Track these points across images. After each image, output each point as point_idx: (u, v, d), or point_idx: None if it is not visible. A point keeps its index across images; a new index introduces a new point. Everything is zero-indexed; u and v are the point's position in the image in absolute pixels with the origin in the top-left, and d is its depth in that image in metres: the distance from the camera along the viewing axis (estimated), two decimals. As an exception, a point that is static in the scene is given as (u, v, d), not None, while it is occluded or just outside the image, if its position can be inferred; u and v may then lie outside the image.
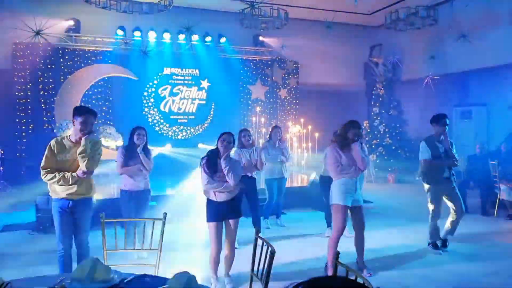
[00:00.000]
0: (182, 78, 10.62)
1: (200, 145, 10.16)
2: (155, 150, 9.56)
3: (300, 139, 10.40)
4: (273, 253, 2.15)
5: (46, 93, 9.16)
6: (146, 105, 10.26)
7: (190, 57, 10.46)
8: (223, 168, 3.67)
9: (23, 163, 8.44)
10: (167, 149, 9.96)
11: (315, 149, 10.05)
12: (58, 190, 3.46)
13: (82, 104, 9.47)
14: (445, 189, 4.83)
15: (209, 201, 3.77)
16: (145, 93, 10.24)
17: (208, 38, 10.38)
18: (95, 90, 9.66)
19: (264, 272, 2.22)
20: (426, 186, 4.91)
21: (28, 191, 7.99)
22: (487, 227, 6.13)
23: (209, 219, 3.73)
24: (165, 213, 2.86)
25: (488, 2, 9.01)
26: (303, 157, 10.08)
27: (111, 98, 9.80)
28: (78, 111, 3.43)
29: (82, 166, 3.41)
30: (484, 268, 4.40)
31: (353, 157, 4.03)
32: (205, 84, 10.76)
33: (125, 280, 2.07)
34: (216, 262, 3.80)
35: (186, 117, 10.70)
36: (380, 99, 11.29)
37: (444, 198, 4.89)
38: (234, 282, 3.89)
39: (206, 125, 10.80)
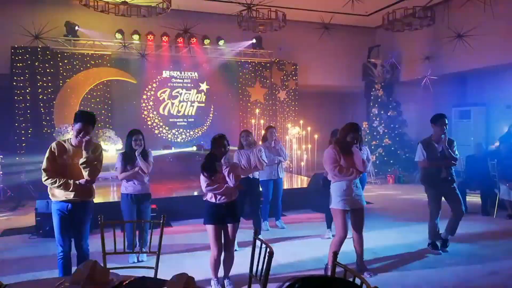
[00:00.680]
0: (181, 81, 10.64)
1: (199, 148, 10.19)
2: (159, 152, 9.63)
3: (300, 140, 10.41)
4: (271, 254, 2.15)
5: (45, 97, 9.16)
6: (145, 108, 10.27)
7: (188, 60, 10.48)
8: (223, 170, 3.68)
9: (23, 168, 8.44)
10: (168, 152, 9.99)
11: (315, 151, 10.07)
12: (57, 193, 3.47)
13: (81, 108, 9.49)
14: (444, 190, 4.83)
15: (208, 203, 3.77)
16: (144, 96, 10.26)
17: (207, 41, 10.40)
18: (94, 94, 9.67)
19: (262, 273, 2.22)
20: (425, 187, 4.94)
21: (28, 195, 8.01)
22: (487, 227, 6.13)
23: (208, 221, 3.73)
24: (164, 216, 2.86)
25: (485, 2, 9.04)
26: (302, 158, 10.09)
27: (110, 102, 9.81)
28: (77, 117, 3.43)
29: (85, 175, 3.43)
30: (484, 268, 4.39)
31: (352, 160, 4.02)
32: (204, 87, 10.78)
33: (124, 283, 2.07)
34: (217, 264, 3.80)
35: (185, 120, 10.71)
36: (379, 100, 11.30)
37: (444, 198, 4.89)
38: (234, 283, 3.89)
39: (205, 127, 10.82)
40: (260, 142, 6.21)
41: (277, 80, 11.39)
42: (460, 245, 5.15)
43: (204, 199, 3.80)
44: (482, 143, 8.24)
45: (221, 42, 10.51)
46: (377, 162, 10.86)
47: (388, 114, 11.14)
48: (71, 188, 3.41)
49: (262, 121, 10.68)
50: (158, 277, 2.56)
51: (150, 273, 2.62)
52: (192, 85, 10.70)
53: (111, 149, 8.88)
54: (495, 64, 9.23)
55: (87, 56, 9.56)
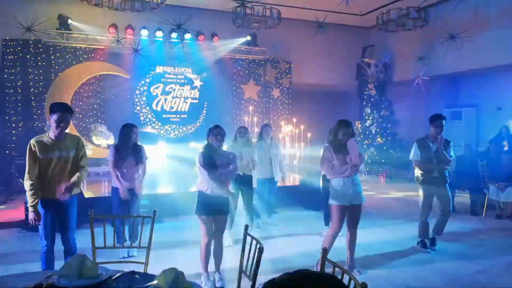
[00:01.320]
0: (175, 76, 10.60)
1: (192, 144, 10.15)
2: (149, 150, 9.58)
3: (293, 139, 10.43)
4: (261, 250, 2.16)
5: (36, 91, 9.07)
6: (138, 103, 10.21)
7: (182, 56, 10.42)
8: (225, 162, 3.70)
9: (13, 161, 8.35)
10: (160, 148, 9.95)
11: (307, 149, 10.09)
12: (43, 190, 3.40)
13: (74, 102, 9.42)
14: (435, 189, 4.91)
15: (201, 194, 3.78)
16: (137, 92, 10.19)
17: (201, 37, 10.36)
18: (87, 88, 9.59)
19: (252, 268, 2.23)
20: (417, 185, 5.02)
21: (18, 189, 7.92)
22: (476, 226, 6.20)
23: (200, 212, 3.74)
24: (155, 211, 2.85)
25: (477, 5, 9.12)
26: (295, 156, 10.10)
27: (102, 96, 9.74)
28: (53, 108, 3.37)
29: (75, 178, 3.46)
30: (472, 266, 4.45)
31: (345, 157, 4.06)
32: (197, 83, 10.74)
33: (113, 277, 2.07)
34: (207, 257, 3.81)
35: (178, 116, 10.67)
36: (372, 99, 11.36)
37: (435, 197, 4.97)
38: (224, 278, 3.90)
39: (198, 124, 10.79)
40: (254, 140, 6.19)
41: (271, 78, 11.39)
42: (449, 244, 5.21)
43: (199, 190, 3.79)
44: (471, 144, 8.34)
45: (215, 39, 10.48)
46: (369, 161, 10.92)
47: (381, 113, 11.21)
48: (34, 202, 3.32)
49: (255, 119, 10.68)
50: (148, 272, 2.56)
51: (140, 268, 2.62)
52: (185, 81, 10.66)
53: (103, 144, 8.82)
54: (487, 66, 9.33)
55: (80, 50, 9.47)
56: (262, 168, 5.76)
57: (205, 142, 3.85)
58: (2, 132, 8.87)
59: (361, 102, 12.11)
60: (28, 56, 8.98)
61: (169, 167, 9.10)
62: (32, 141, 3.37)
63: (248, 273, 2.33)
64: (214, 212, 3.75)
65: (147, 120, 10.32)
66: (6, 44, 8.84)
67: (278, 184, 6.40)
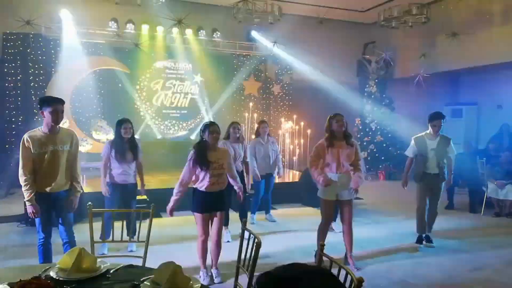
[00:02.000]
0: (175, 72, 10.57)
1: (192, 139, 10.16)
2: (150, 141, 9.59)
3: (292, 135, 10.42)
4: (259, 245, 2.16)
5: (36, 85, 9.05)
6: (138, 98, 10.19)
7: (183, 51, 10.40)
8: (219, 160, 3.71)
9: (12, 156, 8.33)
10: (158, 142, 9.97)
11: (307, 145, 10.09)
12: (38, 184, 3.39)
13: (73, 97, 9.40)
14: (430, 185, 4.96)
15: (196, 191, 3.77)
16: (137, 87, 10.17)
17: (202, 33, 10.32)
18: (86, 83, 9.57)
19: (250, 263, 2.23)
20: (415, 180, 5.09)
21: (17, 183, 7.93)
22: (474, 224, 6.22)
23: (196, 209, 3.75)
24: (153, 205, 2.86)
25: (479, 2, 9.09)
26: (295, 153, 10.11)
27: (102, 91, 9.72)
28: (46, 101, 3.35)
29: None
30: (470, 263, 4.47)
31: (338, 153, 4.08)
32: (198, 78, 10.72)
33: (111, 270, 2.07)
34: (204, 250, 3.82)
35: (178, 111, 10.66)
36: (372, 96, 11.34)
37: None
38: (222, 274, 3.91)
39: (198, 119, 10.77)
40: (253, 137, 6.18)
41: (271, 74, 11.37)
42: (447, 240, 5.22)
43: (194, 186, 3.78)
44: (471, 141, 8.34)
45: (216, 34, 10.44)
46: (369, 158, 10.92)
47: (381, 110, 11.19)
48: (30, 196, 3.32)
49: (255, 115, 10.66)
50: (146, 266, 2.56)
51: (139, 262, 2.62)
52: (186, 76, 10.63)
53: (103, 139, 8.82)
54: (488, 63, 9.30)
55: (80, 44, 9.42)
56: (260, 165, 5.76)
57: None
58: (1, 126, 8.86)
59: (361, 98, 12.08)
60: (28, 50, 8.96)
61: (168, 161, 9.09)
62: (25, 136, 3.34)
63: (245, 268, 2.34)
64: (210, 208, 3.75)
65: (147, 115, 10.31)
66: (6, 38, 8.81)
67: (277, 181, 6.40)
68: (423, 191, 5.00)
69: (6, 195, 7.58)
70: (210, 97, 10.79)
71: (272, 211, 6.45)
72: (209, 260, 3.93)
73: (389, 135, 11.02)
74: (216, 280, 3.84)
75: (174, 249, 4.79)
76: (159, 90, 10.40)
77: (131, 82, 10.04)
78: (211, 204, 3.74)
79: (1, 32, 8.74)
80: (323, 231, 4.27)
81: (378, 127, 11.10)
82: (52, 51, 9.20)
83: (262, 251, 2.26)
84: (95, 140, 9.06)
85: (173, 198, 3.73)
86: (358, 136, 11.31)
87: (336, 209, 4.63)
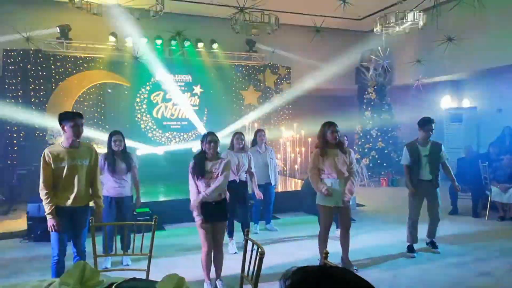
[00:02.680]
0: (175, 84, 10.62)
1: (193, 151, 10.17)
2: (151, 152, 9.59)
3: (293, 143, 10.44)
4: (262, 255, 2.15)
5: (37, 100, 9.10)
6: (138, 111, 10.23)
7: (182, 63, 10.47)
8: (216, 169, 3.68)
9: (14, 171, 8.36)
10: (159, 152, 9.99)
11: (308, 154, 10.09)
12: (57, 198, 3.41)
13: (74, 111, 9.42)
14: (425, 192, 4.89)
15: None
16: (138, 99, 10.21)
17: (200, 44, 10.40)
18: (87, 97, 9.62)
19: (254, 273, 2.22)
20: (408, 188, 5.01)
21: (19, 199, 7.93)
22: (479, 228, 6.18)
23: (198, 218, 3.73)
24: (155, 217, 2.85)
25: (475, 7, 9.14)
26: (296, 161, 10.11)
27: (103, 105, 9.76)
28: (66, 116, 3.42)
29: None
30: (475, 268, 4.43)
31: (334, 160, 4.11)
32: (197, 90, 10.77)
33: (114, 284, 2.06)
34: (208, 262, 3.80)
35: (179, 123, 10.68)
36: (372, 103, 11.37)
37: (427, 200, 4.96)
38: (226, 285, 3.88)
39: (199, 131, 10.79)
40: (250, 146, 6.14)
41: (270, 84, 11.42)
42: (452, 246, 5.19)
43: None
44: (472, 145, 8.33)
45: (214, 45, 10.53)
46: (370, 165, 10.91)
47: (381, 117, 11.21)
48: (51, 209, 3.35)
49: (256, 125, 10.69)
50: (150, 279, 2.55)
51: (142, 275, 2.61)
52: (185, 88, 10.69)
53: (104, 152, 8.83)
54: (486, 67, 9.34)
55: (80, 59, 9.51)
56: (258, 174, 5.73)
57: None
58: (3, 142, 8.88)
59: (361, 106, 12.12)
60: (28, 66, 9.02)
61: (170, 173, 9.09)
62: (46, 151, 3.38)
63: (249, 278, 2.32)
64: (211, 218, 3.74)
65: (148, 127, 10.33)
66: (6, 54, 8.88)
67: (279, 190, 6.37)
68: (417, 199, 4.91)
69: (9, 211, 7.56)
70: (210, 108, 10.83)
71: (274, 220, 6.42)
72: (212, 273, 3.90)
73: (390, 141, 11.02)
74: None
75: (177, 261, 4.76)
76: (159, 102, 10.44)
77: (131, 95, 10.09)
78: (211, 214, 3.72)
79: (2, 48, 8.81)
80: (324, 239, 4.28)
81: (378, 133, 11.11)
82: (52, 67, 9.26)
83: (265, 260, 2.24)
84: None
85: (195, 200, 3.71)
86: (359, 143, 11.31)
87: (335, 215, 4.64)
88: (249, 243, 2.44)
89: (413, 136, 5.22)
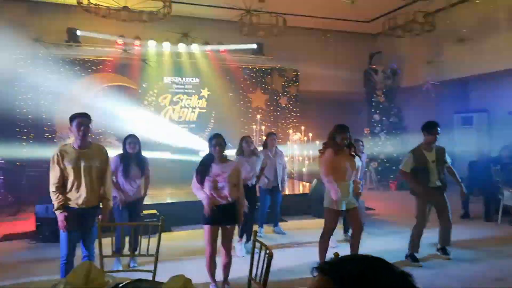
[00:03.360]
0: (182, 86, 10.64)
1: (201, 154, 10.15)
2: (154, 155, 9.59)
3: (301, 146, 10.38)
4: (271, 256, 2.11)
5: (47, 103, 9.17)
6: (146, 114, 10.24)
7: (190, 66, 10.49)
8: (222, 172, 3.64)
9: (24, 173, 8.41)
10: (167, 156, 9.98)
11: (316, 157, 10.02)
12: (66, 199, 3.42)
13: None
14: (432, 200, 4.69)
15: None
16: (146, 102, 10.25)
17: (208, 47, 10.42)
18: (95, 100, 9.66)
19: (262, 276, 2.17)
20: (415, 197, 4.79)
21: (28, 200, 7.97)
22: (491, 232, 6.05)
23: (203, 221, 3.68)
24: (162, 218, 2.82)
25: (486, 8, 9.04)
26: (304, 164, 10.05)
27: (111, 108, 9.78)
28: (72, 116, 3.44)
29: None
30: (489, 273, 4.32)
31: (345, 162, 4.06)
32: (205, 92, 10.78)
33: (120, 285, 2.03)
34: (212, 267, 3.75)
35: (186, 125, 10.69)
36: (381, 106, 11.28)
37: (433, 207, 4.76)
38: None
39: (206, 133, 10.78)
40: (261, 149, 6.11)
41: (278, 86, 11.39)
42: (464, 251, 5.08)
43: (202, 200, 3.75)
44: (483, 149, 8.19)
45: (222, 48, 10.53)
46: (379, 168, 10.80)
47: (390, 120, 11.11)
48: (60, 203, 3.37)
49: (263, 127, 10.66)
50: (156, 280, 2.51)
51: (148, 277, 2.57)
52: (193, 91, 10.70)
53: (112, 154, 8.86)
54: (497, 69, 9.20)
55: (88, 62, 9.58)
56: (266, 177, 5.69)
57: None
58: (13, 144, 8.96)
59: (369, 109, 12.03)
60: (38, 69, 9.11)
61: (177, 176, 9.08)
62: (56, 151, 3.38)
63: (257, 281, 2.28)
64: (219, 221, 3.68)
65: (156, 130, 10.34)
66: (17, 58, 8.97)
67: (286, 193, 6.32)
68: (424, 207, 4.69)
69: (18, 212, 7.61)
70: (218, 111, 10.82)
71: (282, 223, 6.36)
72: (219, 275, 3.86)
73: (399, 145, 10.91)
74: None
75: (184, 263, 4.72)
76: (167, 105, 10.46)
77: (139, 98, 10.12)
78: (219, 217, 3.67)
79: (12, 52, 8.89)
80: (326, 245, 4.24)
81: (387, 136, 11.00)
82: (61, 69, 9.34)
83: (273, 264, 2.20)
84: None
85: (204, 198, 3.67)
86: (368, 146, 11.21)
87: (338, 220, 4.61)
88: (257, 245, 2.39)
89: (422, 139, 5.00)
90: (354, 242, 4.26)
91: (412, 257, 4.73)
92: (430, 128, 4.68)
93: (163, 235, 2.82)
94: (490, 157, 8.10)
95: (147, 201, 5.74)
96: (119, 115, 9.79)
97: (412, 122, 11.24)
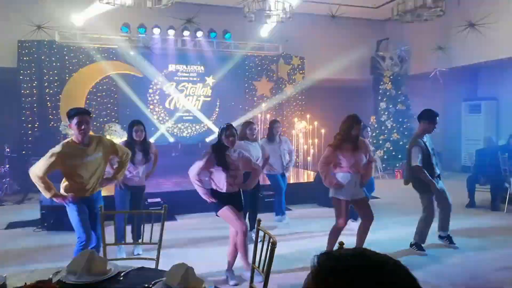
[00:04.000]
0: (187, 75, 10.57)
1: (205, 142, 10.15)
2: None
3: (306, 135, 10.31)
4: (274, 244, 2.07)
5: (51, 91, 9.18)
6: (151, 102, 10.23)
7: (194, 54, 10.40)
8: (234, 161, 3.67)
9: (29, 161, 8.44)
10: (171, 145, 9.98)
11: (322, 145, 9.96)
12: (77, 193, 3.43)
13: (87, 102, 9.48)
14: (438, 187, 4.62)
15: (214, 192, 3.74)
16: (150, 90, 10.21)
17: (213, 34, 10.30)
18: (100, 88, 9.66)
19: (265, 264, 2.15)
20: (420, 191, 4.69)
21: (34, 188, 8.02)
22: (498, 222, 5.99)
23: (220, 205, 3.67)
24: (165, 206, 2.79)
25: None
26: (309, 153, 10.00)
27: (116, 96, 9.79)
28: (71, 113, 3.38)
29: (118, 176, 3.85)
30: (495, 263, 4.28)
31: (358, 156, 4.01)
32: (210, 80, 10.70)
33: (122, 273, 2.02)
34: (246, 246, 3.69)
35: (191, 114, 10.65)
36: (387, 93, 11.13)
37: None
38: (238, 277, 3.83)
39: (211, 121, 10.75)
40: (265, 137, 6.09)
41: (283, 74, 11.27)
42: (469, 239, 5.03)
43: (214, 188, 3.75)
44: (492, 137, 8.07)
45: (227, 36, 10.40)
46: (385, 157, 10.72)
47: (397, 108, 10.98)
48: (52, 191, 3.35)
49: (268, 115, 10.59)
50: (159, 268, 2.50)
51: (151, 265, 2.56)
52: (198, 79, 10.63)
53: (117, 142, 8.86)
54: (507, 56, 8.99)
55: (93, 49, 9.53)
56: (272, 164, 5.67)
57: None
58: (18, 132, 8.99)
59: (376, 96, 11.89)
60: (42, 57, 9.09)
61: (182, 164, 9.06)
62: (58, 148, 3.32)
63: (260, 269, 2.25)
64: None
65: (160, 118, 10.33)
66: (21, 46, 8.95)
67: (291, 181, 6.30)
68: (433, 198, 4.61)
69: (23, 200, 7.67)
70: (223, 99, 10.76)
71: (288, 212, 6.35)
72: (223, 265, 3.85)
73: (406, 133, 10.80)
74: (231, 282, 3.76)
75: (188, 251, 4.73)
76: (171, 93, 10.41)
77: (144, 86, 10.08)
78: (230, 204, 3.69)
79: (16, 40, 8.87)
80: (336, 234, 4.16)
81: (394, 124, 10.89)
82: (66, 57, 9.31)
83: (277, 252, 2.17)
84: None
85: (201, 189, 3.69)
86: (374, 134, 11.12)
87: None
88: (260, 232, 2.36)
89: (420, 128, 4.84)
90: (363, 233, 4.20)
91: (417, 246, 4.70)
92: (431, 117, 4.58)
93: (167, 223, 2.80)
94: (498, 145, 8.00)
95: (151, 189, 5.74)
96: (124, 103, 9.80)
97: (419, 110, 11.06)
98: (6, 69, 8.97)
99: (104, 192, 6.44)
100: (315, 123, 10.11)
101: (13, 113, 9.05)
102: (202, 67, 10.61)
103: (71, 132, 3.56)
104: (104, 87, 9.68)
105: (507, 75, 10.20)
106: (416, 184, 4.70)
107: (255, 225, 2.50)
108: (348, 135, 3.98)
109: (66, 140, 3.44)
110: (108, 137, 8.90)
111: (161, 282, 1.84)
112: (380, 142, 10.87)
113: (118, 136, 8.93)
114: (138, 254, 4.47)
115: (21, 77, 8.96)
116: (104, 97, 9.66)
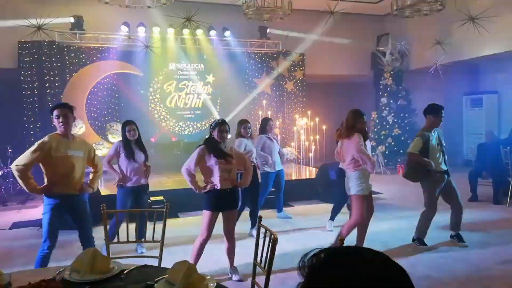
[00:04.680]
0: (187, 73, 10.57)
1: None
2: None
3: (307, 131, 10.31)
4: (275, 241, 2.09)
5: (52, 91, 9.20)
6: (152, 101, 10.24)
7: (194, 52, 10.39)
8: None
9: (32, 161, 8.49)
10: (173, 143, 9.99)
11: (323, 141, 9.96)
12: (54, 188, 3.39)
13: (88, 101, 9.50)
14: (442, 184, 4.60)
15: (209, 191, 3.70)
16: (151, 89, 10.22)
17: (213, 32, 10.29)
18: (101, 87, 9.67)
19: (267, 260, 2.16)
20: (422, 184, 4.69)
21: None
22: (500, 215, 6.00)
23: (206, 207, 3.66)
24: (167, 204, 2.81)
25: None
26: (310, 149, 10.00)
27: (117, 95, 9.81)
28: (52, 108, 3.45)
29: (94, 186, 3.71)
30: (497, 256, 4.29)
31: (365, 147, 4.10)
32: (210, 78, 10.70)
33: (125, 271, 2.03)
34: (199, 254, 3.68)
35: (192, 112, 10.66)
36: (388, 89, 11.11)
37: (441, 192, 4.67)
38: (241, 272, 3.85)
39: (212, 119, 10.72)
40: (258, 134, 6.09)
41: (284, 71, 11.25)
42: (472, 233, 5.03)
43: (205, 184, 3.73)
44: (493, 130, 8.06)
45: (227, 33, 10.39)
46: (387, 152, 10.71)
47: (398, 103, 10.96)
48: (33, 186, 3.34)
49: (269, 112, 10.59)
50: (162, 266, 2.52)
51: (154, 263, 2.58)
52: (198, 77, 10.63)
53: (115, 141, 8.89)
54: (508, 50, 8.94)
55: (93, 49, 9.54)
56: (268, 161, 5.68)
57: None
58: (20, 133, 9.02)
59: (377, 92, 11.86)
60: (43, 58, 9.11)
61: (184, 162, 9.08)
62: (46, 139, 3.37)
63: (262, 265, 2.27)
64: (221, 207, 3.66)
65: (162, 117, 10.35)
66: (21, 46, 8.97)
67: (293, 178, 6.32)
68: (435, 193, 4.60)
69: (27, 200, 7.70)
70: (223, 97, 10.76)
71: (289, 208, 6.37)
72: (225, 263, 3.86)
73: (407, 128, 10.78)
74: (234, 278, 3.79)
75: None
76: (172, 91, 10.42)
77: (145, 85, 10.09)
78: (224, 202, 3.66)
79: (17, 41, 8.88)
80: (349, 230, 4.16)
81: (395, 120, 10.87)
82: (66, 57, 9.32)
83: (279, 249, 2.18)
84: (111, 144, 9.13)
85: (191, 182, 3.70)
86: (375, 130, 11.11)
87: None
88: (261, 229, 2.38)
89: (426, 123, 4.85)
90: (362, 228, 4.26)
91: (419, 241, 4.71)
92: (436, 111, 4.57)
93: (170, 221, 2.81)
94: (499, 139, 7.99)
95: (154, 188, 5.75)
96: (125, 103, 9.81)
97: (421, 105, 11.01)
98: (6, 70, 8.99)
99: (107, 191, 6.50)
100: (317, 119, 10.10)
101: (15, 114, 9.08)
102: (202, 65, 10.61)
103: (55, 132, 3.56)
104: (105, 86, 9.69)
105: (508, 69, 10.17)
106: (412, 175, 4.68)
107: (256, 222, 2.51)
108: (351, 128, 4.08)
109: (52, 133, 3.47)
110: (109, 136, 8.95)
111: (163, 279, 1.86)
112: (382, 137, 10.86)
113: (119, 136, 8.94)
114: (142, 253, 4.50)
115: (21, 78, 8.98)
116: (105, 96, 9.67)
